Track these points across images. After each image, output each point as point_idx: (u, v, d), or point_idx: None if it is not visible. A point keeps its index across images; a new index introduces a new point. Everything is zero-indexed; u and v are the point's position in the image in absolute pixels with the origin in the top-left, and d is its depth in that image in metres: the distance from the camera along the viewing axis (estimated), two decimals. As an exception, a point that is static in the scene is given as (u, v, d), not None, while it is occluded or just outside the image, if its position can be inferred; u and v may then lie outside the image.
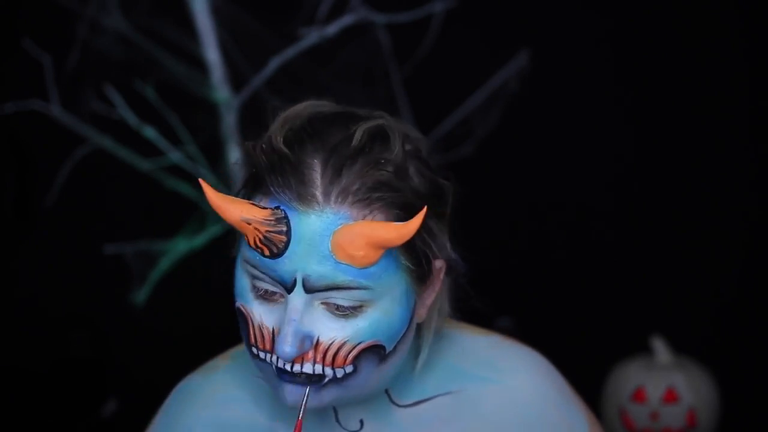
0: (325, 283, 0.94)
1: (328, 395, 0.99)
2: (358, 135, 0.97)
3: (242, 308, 0.99)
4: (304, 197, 0.94)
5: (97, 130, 2.43)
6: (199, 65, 2.46)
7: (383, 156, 0.97)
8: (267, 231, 0.95)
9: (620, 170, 2.72)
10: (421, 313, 1.02)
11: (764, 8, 2.60)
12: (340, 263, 0.94)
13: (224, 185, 2.47)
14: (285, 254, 0.94)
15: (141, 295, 2.43)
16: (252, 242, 0.95)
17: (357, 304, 0.96)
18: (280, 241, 0.94)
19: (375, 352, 0.97)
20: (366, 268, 0.94)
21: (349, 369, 0.97)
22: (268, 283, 0.96)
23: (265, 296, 0.97)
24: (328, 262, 0.94)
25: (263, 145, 0.98)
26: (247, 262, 0.97)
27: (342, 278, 0.94)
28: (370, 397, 1.04)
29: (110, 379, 2.82)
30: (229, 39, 2.44)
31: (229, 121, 2.46)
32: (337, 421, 1.07)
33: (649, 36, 2.65)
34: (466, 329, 1.15)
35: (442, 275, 1.03)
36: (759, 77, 2.64)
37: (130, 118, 2.42)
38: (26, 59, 2.38)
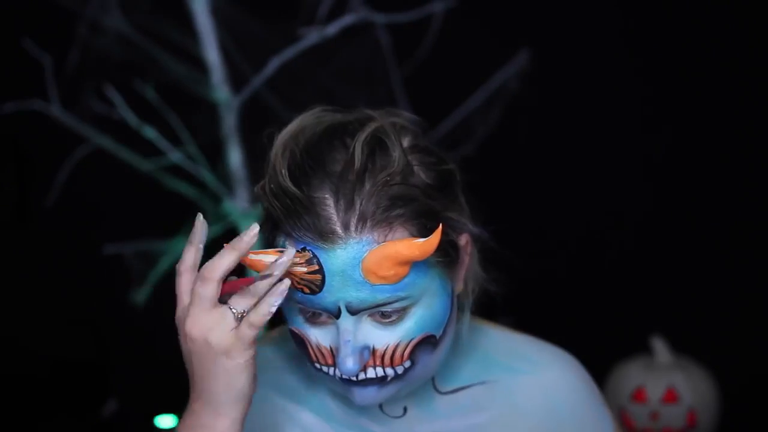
0: (367, 305, 0.99)
1: (393, 389, 1.05)
2: (357, 153, 0.99)
3: (297, 331, 1.05)
4: (326, 235, 0.98)
5: (97, 130, 2.43)
6: (199, 65, 2.45)
7: (387, 167, 1.00)
8: (302, 274, 0.99)
9: (620, 170, 2.72)
10: (459, 286, 1.08)
11: (764, 8, 2.60)
12: (376, 285, 0.98)
13: (224, 185, 2.47)
14: (324, 289, 0.99)
15: (141, 295, 2.43)
16: (293, 284, 0.99)
17: (401, 309, 1.01)
18: (316, 279, 0.99)
19: (427, 342, 1.03)
20: (399, 282, 0.99)
21: (407, 364, 1.03)
22: (315, 310, 1.02)
23: (317, 321, 1.03)
24: (364, 288, 0.99)
25: (272, 186, 1.01)
26: (291, 299, 1.02)
27: (381, 297, 0.99)
28: (427, 379, 1.10)
29: (110, 379, 2.82)
30: (229, 39, 2.44)
31: (229, 121, 2.46)
32: (381, 408, 1.12)
33: (651, 35, 2.65)
34: (501, 327, 1.21)
35: (469, 248, 1.08)
36: (750, 82, 2.64)
37: (130, 118, 2.42)
38: (26, 59, 2.38)
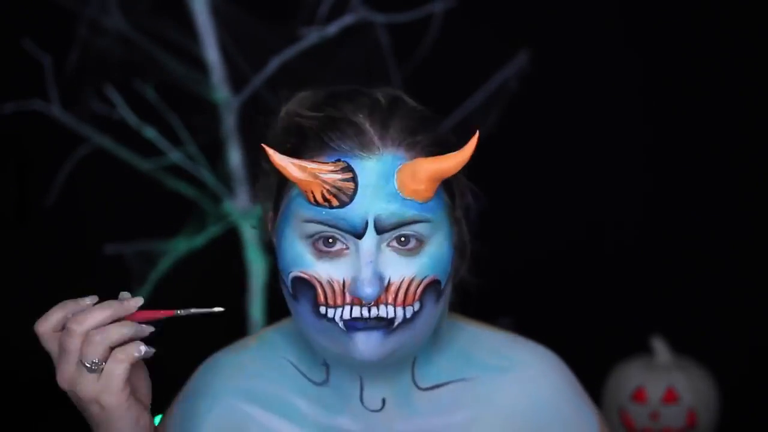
0: (394, 221, 1.01)
1: (397, 340, 1.04)
2: (382, 97, 1.07)
3: (303, 274, 1.03)
4: (365, 144, 1.02)
5: (97, 130, 2.43)
6: (199, 65, 2.46)
7: (408, 107, 1.07)
8: (335, 181, 1.00)
9: (620, 170, 2.72)
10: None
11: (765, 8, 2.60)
12: (406, 200, 1.01)
13: (224, 185, 2.47)
14: (354, 200, 1.00)
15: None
16: (319, 196, 1.00)
17: (419, 243, 1.03)
18: (349, 188, 1.00)
19: (434, 288, 1.04)
20: (426, 202, 1.02)
21: (416, 306, 1.03)
22: (333, 237, 1.02)
23: (329, 252, 1.02)
24: (395, 200, 1.01)
25: (298, 113, 1.06)
26: (310, 221, 1.02)
27: (409, 213, 1.01)
28: (422, 340, 1.09)
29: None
30: (229, 39, 2.44)
31: (229, 121, 2.46)
32: (361, 401, 1.12)
33: (651, 35, 2.65)
34: (482, 325, 1.20)
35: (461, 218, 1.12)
36: (750, 82, 2.64)
37: (130, 118, 2.42)
38: (26, 59, 2.38)
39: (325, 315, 1.03)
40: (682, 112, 2.68)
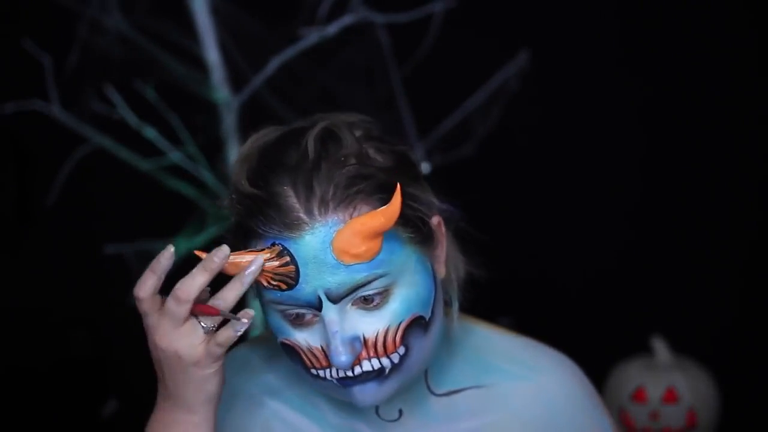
0: (345, 289, 0.99)
1: (393, 384, 1.04)
2: (310, 146, 1.01)
3: (287, 342, 1.04)
4: (291, 224, 0.98)
5: (97, 130, 2.43)
6: (199, 65, 2.45)
7: (341, 153, 1.01)
8: (275, 269, 0.99)
9: (620, 170, 2.72)
10: (441, 270, 1.07)
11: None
12: (351, 265, 0.98)
13: (224, 185, 2.47)
14: (300, 280, 0.99)
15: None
16: (266, 284, 1.00)
17: (382, 290, 1.00)
18: (290, 271, 0.99)
19: (417, 324, 1.02)
20: (374, 258, 0.99)
21: (401, 351, 1.02)
22: (298, 310, 1.01)
23: (302, 323, 1.02)
24: (340, 270, 0.98)
25: (233, 196, 1.03)
26: (272, 302, 1.02)
27: (358, 277, 0.99)
28: (422, 370, 1.08)
29: (110, 379, 2.82)
30: (229, 39, 2.44)
31: (229, 121, 2.46)
32: (377, 413, 1.12)
33: (650, 35, 2.65)
34: (498, 329, 1.19)
35: (443, 228, 1.08)
36: (751, 82, 2.64)
37: (130, 118, 2.42)
38: (26, 59, 2.37)
39: (318, 375, 1.04)
40: (680, 112, 2.67)
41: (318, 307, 1.00)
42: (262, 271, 0.99)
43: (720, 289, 2.70)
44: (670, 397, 2.50)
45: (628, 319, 2.65)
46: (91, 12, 2.40)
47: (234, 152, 2.46)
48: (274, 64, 2.39)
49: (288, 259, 0.98)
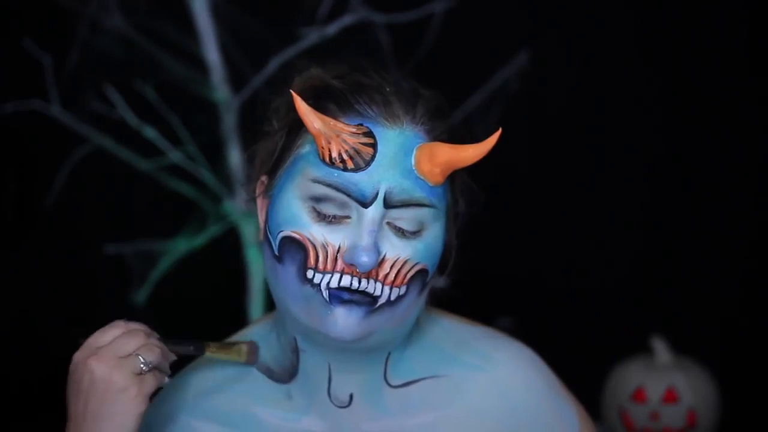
0: (404, 197, 1.00)
1: (377, 321, 1.02)
2: (405, 80, 1.07)
3: (295, 234, 1.02)
4: (390, 114, 1.02)
5: (97, 130, 2.43)
6: (199, 65, 2.45)
7: (432, 94, 1.08)
8: (355, 143, 0.99)
9: (620, 170, 2.72)
10: (451, 242, 1.10)
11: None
12: (419, 179, 1.01)
13: (224, 185, 2.47)
14: (371, 166, 0.99)
15: (141, 295, 2.43)
16: (336, 155, 0.99)
17: (418, 228, 1.02)
18: (368, 153, 1.00)
19: (421, 276, 1.03)
20: (436, 186, 1.02)
21: (402, 290, 1.02)
22: (337, 202, 1.00)
23: (329, 219, 1.01)
24: (409, 176, 1.00)
25: (323, 77, 1.08)
26: (319, 182, 1.00)
27: (419, 194, 1.01)
28: (394, 340, 1.07)
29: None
30: (229, 39, 2.44)
31: (229, 121, 2.46)
32: (329, 394, 1.09)
33: (651, 35, 2.65)
34: (458, 319, 1.18)
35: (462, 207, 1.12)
36: (751, 82, 2.64)
37: (130, 118, 2.42)
38: (26, 59, 2.37)
39: (311, 280, 1.01)
40: (682, 113, 2.68)
41: (368, 203, 1.00)
42: (342, 138, 0.99)
43: (720, 290, 2.70)
44: (670, 397, 2.50)
45: (628, 319, 2.65)
46: (91, 12, 2.40)
47: (234, 152, 2.46)
48: (274, 64, 2.39)
49: (372, 140, 1.00)
